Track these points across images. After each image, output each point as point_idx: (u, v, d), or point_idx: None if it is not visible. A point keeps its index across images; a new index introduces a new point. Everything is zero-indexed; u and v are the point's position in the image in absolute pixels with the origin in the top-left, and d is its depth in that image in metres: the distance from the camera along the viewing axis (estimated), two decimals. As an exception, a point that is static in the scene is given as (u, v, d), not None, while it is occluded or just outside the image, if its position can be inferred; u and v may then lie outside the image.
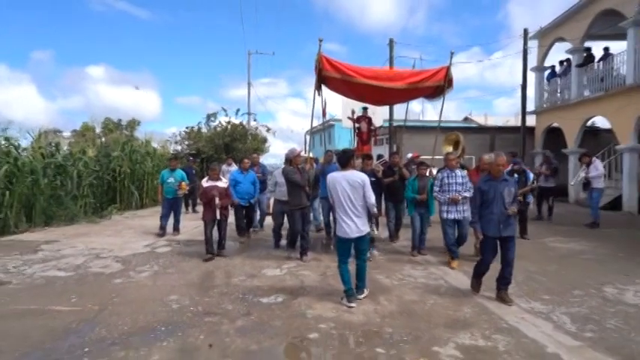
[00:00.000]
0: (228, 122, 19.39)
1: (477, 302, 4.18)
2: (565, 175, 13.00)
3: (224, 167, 9.93)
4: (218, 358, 3.07)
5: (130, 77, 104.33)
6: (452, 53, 6.80)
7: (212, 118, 19.78)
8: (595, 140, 14.00)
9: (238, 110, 20.60)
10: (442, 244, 5.91)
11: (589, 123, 13.66)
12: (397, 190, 6.61)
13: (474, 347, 3.21)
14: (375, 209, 4.48)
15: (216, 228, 6.18)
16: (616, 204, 11.02)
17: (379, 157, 9.77)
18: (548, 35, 14.67)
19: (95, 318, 3.83)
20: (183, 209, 9.07)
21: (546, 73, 15.30)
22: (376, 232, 5.32)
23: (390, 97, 7.91)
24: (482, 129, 18.68)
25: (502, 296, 4.17)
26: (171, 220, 8.04)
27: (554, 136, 14.34)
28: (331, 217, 6.50)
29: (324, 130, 10.23)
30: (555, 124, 14.45)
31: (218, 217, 6.11)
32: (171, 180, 7.92)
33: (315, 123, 11.03)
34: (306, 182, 5.86)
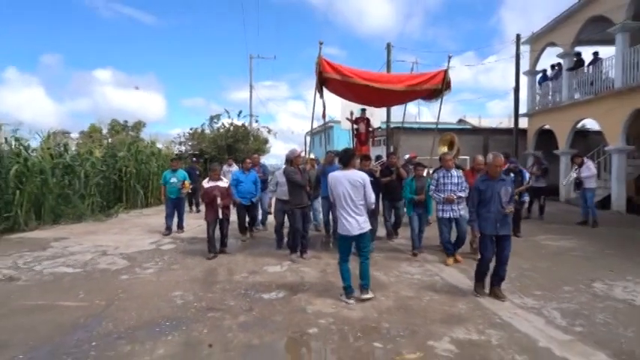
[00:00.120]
0: (231, 124, 19.69)
1: (471, 298, 4.29)
2: (556, 175, 13.19)
3: (225, 168, 9.96)
4: (221, 352, 3.13)
5: (136, 80, 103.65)
6: (449, 57, 6.92)
7: (215, 120, 20.20)
8: (585, 142, 14.22)
9: (240, 112, 21.05)
10: (438, 242, 6.02)
11: (579, 125, 13.89)
12: (394, 190, 6.73)
13: (468, 342, 3.29)
14: (374, 207, 4.56)
15: (218, 227, 6.26)
16: (605, 203, 11.22)
17: (378, 157, 9.84)
18: (540, 40, 14.91)
19: (102, 313, 3.90)
20: (187, 208, 9.22)
21: (538, 76, 15.57)
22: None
23: (388, 99, 7.97)
24: (476, 130, 18.83)
25: (496, 292, 4.27)
26: (175, 219, 8.17)
27: (546, 138, 14.57)
28: (330, 216, 6.64)
29: (323, 131, 10.33)
30: (547, 126, 14.69)
31: (220, 216, 6.20)
32: (174, 180, 8.04)
33: (315, 124, 11.12)
34: (306, 182, 5.94)
